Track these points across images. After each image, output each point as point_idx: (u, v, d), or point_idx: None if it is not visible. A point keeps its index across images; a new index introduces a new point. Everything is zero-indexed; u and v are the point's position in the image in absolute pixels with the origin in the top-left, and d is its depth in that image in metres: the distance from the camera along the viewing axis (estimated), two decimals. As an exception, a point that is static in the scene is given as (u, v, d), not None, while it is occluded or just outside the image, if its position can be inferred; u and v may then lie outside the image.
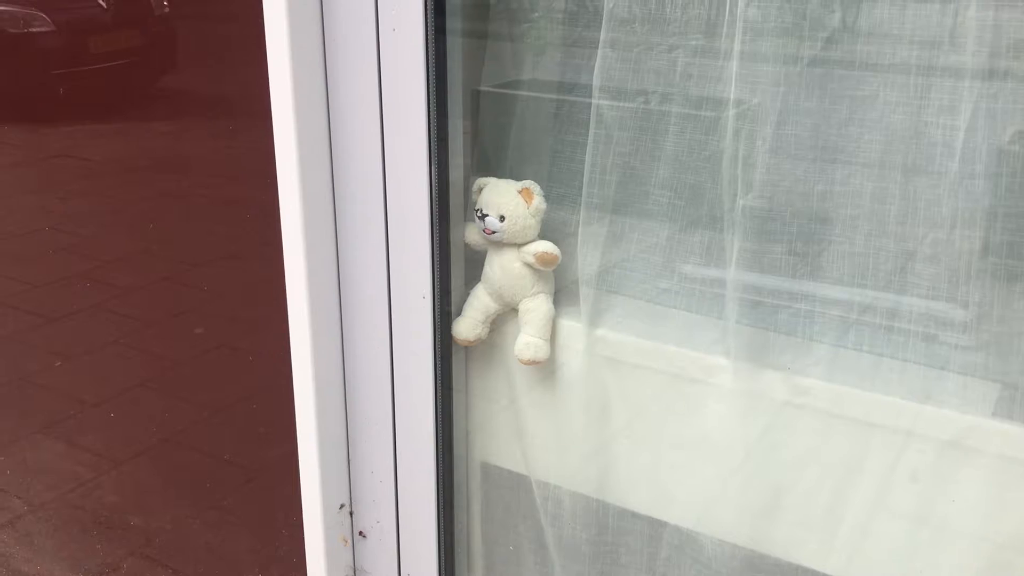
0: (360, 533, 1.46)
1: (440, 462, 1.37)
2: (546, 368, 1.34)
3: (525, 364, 1.30)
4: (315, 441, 1.37)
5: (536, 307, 1.29)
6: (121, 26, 1.82)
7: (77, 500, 1.94)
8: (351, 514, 1.45)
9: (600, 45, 1.22)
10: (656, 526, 1.33)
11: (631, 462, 1.34)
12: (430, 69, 1.22)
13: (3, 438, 2.03)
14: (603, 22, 1.22)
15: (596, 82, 1.23)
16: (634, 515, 1.35)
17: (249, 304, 1.55)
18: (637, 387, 1.31)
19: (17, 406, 1.99)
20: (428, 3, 1.18)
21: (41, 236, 1.89)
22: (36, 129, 1.86)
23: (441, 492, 1.39)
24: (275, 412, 1.47)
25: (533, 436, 1.39)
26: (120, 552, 1.89)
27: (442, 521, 1.40)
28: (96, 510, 1.91)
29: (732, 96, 1.16)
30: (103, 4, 1.90)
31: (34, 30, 1.91)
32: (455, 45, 1.28)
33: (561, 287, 1.34)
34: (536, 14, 1.35)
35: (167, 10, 1.74)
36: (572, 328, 1.31)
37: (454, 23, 1.27)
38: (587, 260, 1.30)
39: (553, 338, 1.31)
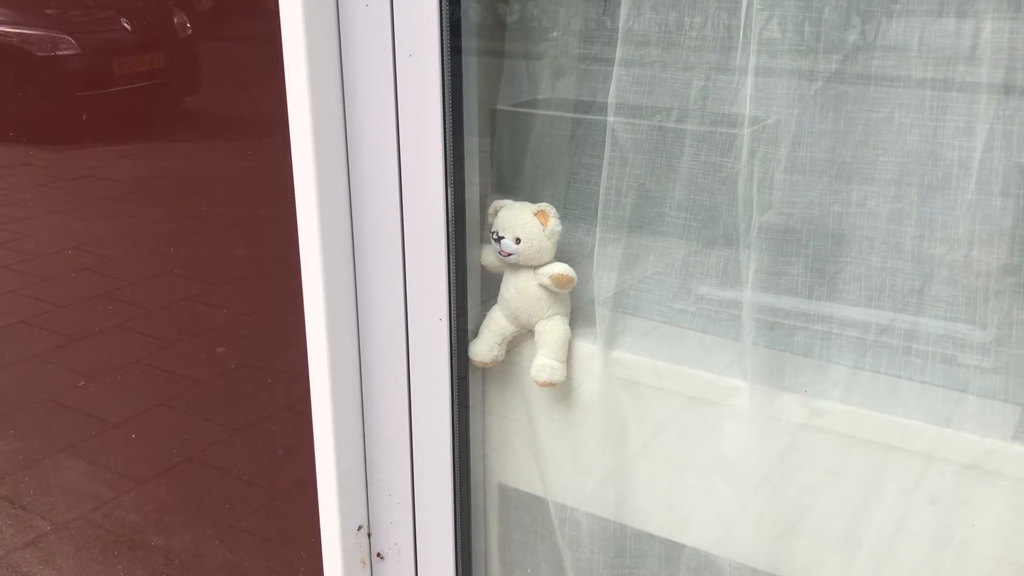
0: (378, 555, 1.46)
1: (457, 484, 1.38)
2: (562, 390, 1.34)
3: (541, 386, 1.30)
4: (333, 462, 1.38)
5: (552, 329, 1.30)
6: (145, 48, 1.85)
7: (99, 519, 1.95)
8: (369, 536, 1.45)
9: (615, 64, 1.22)
10: (674, 549, 1.33)
11: (648, 484, 1.33)
12: (446, 92, 1.23)
13: (27, 458, 2.05)
14: (618, 41, 1.22)
15: (611, 101, 1.24)
16: (652, 537, 1.34)
17: (269, 324, 1.56)
18: (653, 409, 1.30)
19: (41, 425, 2.01)
20: (444, 28, 1.19)
21: (65, 256, 1.92)
22: (61, 150, 1.89)
23: (458, 514, 1.39)
24: (294, 433, 1.47)
25: (550, 458, 1.39)
26: (141, 572, 1.90)
27: (459, 543, 1.40)
28: (118, 529, 1.92)
29: (748, 115, 1.16)
30: (128, 27, 1.93)
31: (61, 53, 1.94)
32: (471, 65, 1.30)
33: (577, 309, 1.34)
34: (553, 33, 1.36)
35: (190, 32, 1.76)
36: (588, 350, 1.31)
37: (470, 43, 1.29)
38: (603, 282, 1.30)
39: (569, 360, 1.31)
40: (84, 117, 1.83)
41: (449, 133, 1.24)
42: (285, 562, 1.60)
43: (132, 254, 1.80)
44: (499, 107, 1.40)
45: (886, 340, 1.16)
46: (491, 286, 1.36)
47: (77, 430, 1.97)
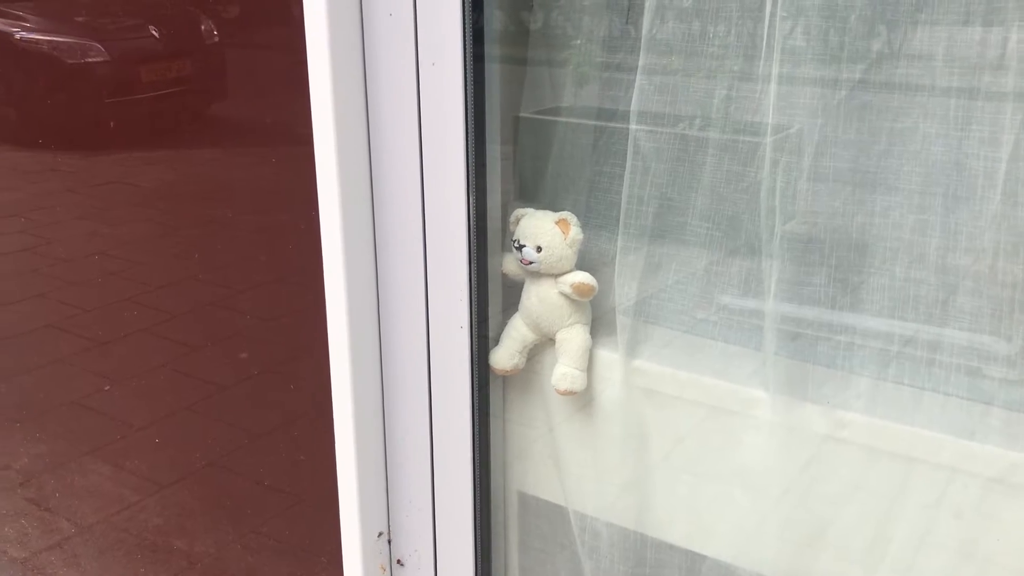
0: (398, 561, 1.46)
1: (477, 491, 1.38)
2: (583, 398, 1.34)
3: (562, 394, 1.30)
4: (354, 469, 1.38)
5: (573, 337, 1.29)
6: (172, 56, 1.86)
7: (123, 523, 1.97)
8: (389, 542, 1.46)
9: (638, 72, 1.22)
10: (695, 560, 1.32)
11: (669, 494, 1.33)
12: (468, 100, 1.23)
13: (53, 460, 2.08)
14: (641, 49, 1.22)
15: (634, 109, 1.23)
16: (672, 548, 1.34)
17: (291, 331, 1.57)
18: (674, 418, 1.30)
19: (66, 429, 2.04)
20: (467, 37, 1.20)
21: (91, 261, 1.94)
22: (89, 156, 1.91)
23: (478, 521, 1.39)
24: (315, 439, 1.48)
25: (570, 466, 1.39)
26: (163, 575, 1.92)
27: (479, 550, 1.40)
28: (141, 533, 1.94)
29: (771, 124, 1.16)
30: (155, 34, 1.94)
31: (90, 60, 1.96)
32: (493, 73, 1.30)
33: (598, 317, 1.34)
34: (576, 41, 1.36)
35: (216, 40, 1.78)
36: (609, 358, 1.31)
37: (492, 51, 1.29)
38: (624, 290, 1.30)
39: (590, 368, 1.31)
40: (111, 124, 1.85)
41: (471, 141, 1.24)
42: (306, 568, 1.61)
43: (157, 259, 1.81)
44: (521, 115, 1.40)
45: (910, 351, 1.15)
46: (512, 294, 1.37)
47: (102, 433, 1.99)
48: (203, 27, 1.77)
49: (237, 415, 1.72)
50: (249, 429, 1.70)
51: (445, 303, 1.31)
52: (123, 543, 1.98)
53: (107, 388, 1.99)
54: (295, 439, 1.57)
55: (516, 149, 1.40)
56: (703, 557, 1.31)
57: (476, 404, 1.34)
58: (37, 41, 1.97)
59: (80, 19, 1.93)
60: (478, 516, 1.39)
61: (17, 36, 1.98)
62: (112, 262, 1.91)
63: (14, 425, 2.14)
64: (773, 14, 1.11)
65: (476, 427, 1.35)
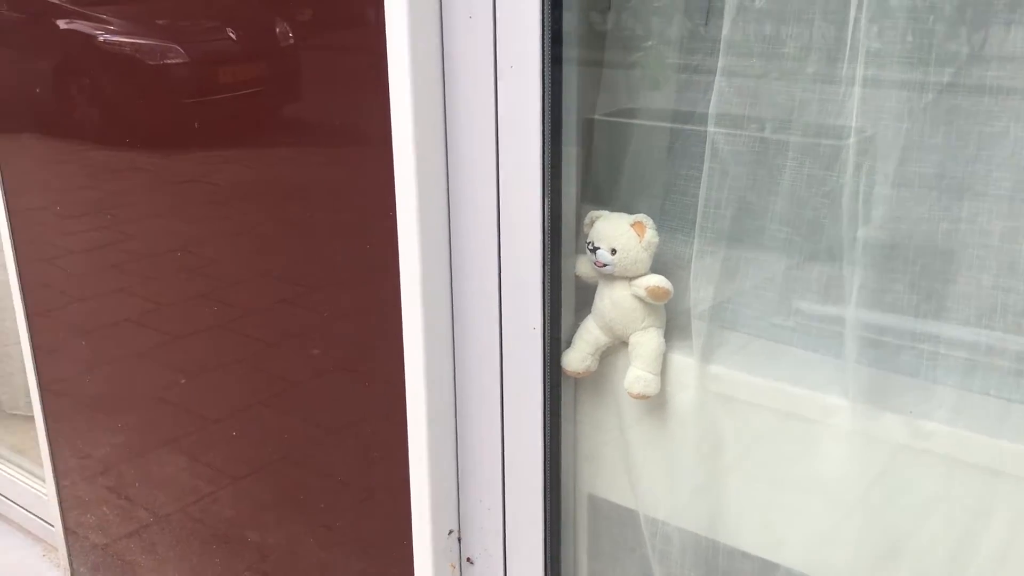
0: (468, 559, 1.47)
1: (548, 492, 1.38)
2: (656, 402, 1.33)
3: (635, 398, 1.30)
4: (426, 467, 1.40)
5: (647, 341, 1.29)
6: (249, 58, 1.89)
7: (197, 513, 2.02)
8: (459, 540, 1.47)
9: (717, 74, 1.21)
10: (767, 568, 1.30)
11: (743, 501, 1.31)
12: (546, 103, 1.23)
13: (131, 450, 2.14)
14: (720, 51, 1.21)
15: (712, 112, 1.22)
16: (745, 555, 1.32)
17: (365, 329, 1.59)
18: (750, 425, 1.29)
19: (144, 420, 2.09)
20: (545, 40, 1.20)
21: (169, 258, 1.98)
22: (168, 155, 1.95)
23: (548, 522, 1.40)
24: (388, 436, 1.50)
25: (642, 470, 1.38)
26: (237, 566, 1.96)
27: (548, 551, 1.41)
28: (215, 524, 1.98)
29: (854, 127, 1.14)
30: (233, 36, 1.98)
31: (169, 61, 2.00)
32: (570, 75, 1.30)
33: (671, 320, 1.33)
34: (650, 42, 1.36)
35: (293, 42, 1.80)
36: (683, 363, 1.30)
37: (569, 53, 1.29)
38: (700, 295, 1.29)
39: (663, 372, 1.31)
40: (190, 124, 1.89)
41: (548, 144, 1.25)
42: (377, 564, 1.62)
43: (233, 257, 1.85)
44: (596, 117, 1.40)
45: (996, 361, 1.12)
46: (585, 296, 1.37)
47: (178, 425, 2.03)
48: (279, 29, 1.80)
49: (310, 411, 1.75)
50: (322, 425, 1.72)
51: (518, 304, 1.32)
52: (198, 533, 2.03)
53: (183, 382, 2.04)
54: (368, 436, 1.59)
55: (591, 151, 1.40)
56: (776, 566, 1.30)
57: (548, 405, 1.35)
58: (120, 43, 2.02)
59: (161, 22, 1.97)
60: (548, 517, 1.39)
61: (101, 39, 2.03)
62: (189, 258, 1.95)
63: (95, 415, 2.21)
64: (858, 16, 1.09)
65: (547, 428, 1.36)
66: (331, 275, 1.65)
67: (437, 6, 1.26)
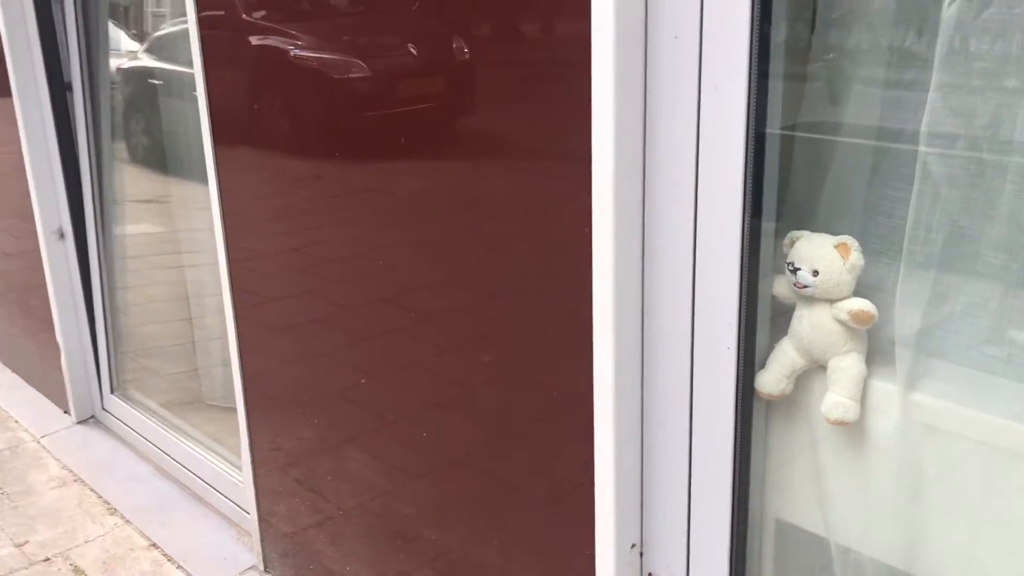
0: (649, 574, 1.48)
1: (734, 514, 1.37)
2: (853, 429, 1.30)
3: (832, 424, 1.27)
4: (612, 479, 1.41)
5: (847, 366, 1.26)
6: (429, 72, 1.94)
7: (377, 509, 2.10)
8: (641, 555, 1.47)
9: (930, 90, 1.17)
10: (971, 607, 1.25)
11: (943, 536, 1.26)
12: (750, 122, 1.22)
13: (316, 445, 2.25)
14: (935, 66, 1.17)
15: (923, 130, 1.18)
16: (946, 592, 1.27)
17: (547, 339, 1.61)
18: (955, 458, 1.23)
19: (329, 416, 2.19)
20: (753, 60, 1.19)
21: (352, 262, 2.06)
22: (350, 165, 2.02)
23: (733, 543, 1.38)
24: (571, 447, 1.52)
25: (835, 498, 1.35)
26: (415, 562, 2.03)
27: (733, 572, 1.39)
28: (394, 520, 2.06)
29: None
30: (414, 52, 2.04)
31: (352, 76, 2.08)
32: (773, 92, 1.28)
33: (872, 346, 1.29)
34: (858, 58, 1.32)
35: (467, 57, 1.85)
36: (885, 390, 1.26)
37: (773, 70, 1.27)
38: (905, 320, 1.24)
39: (863, 399, 1.27)
40: (371, 135, 1.96)
41: (750, 161, 1.24)
42: (556, 571, 1.65)
43: (411, 263, 1.91)
44: (797, 134, 1.38)
45: None
46: (781, 317, 1.34)
47: (359, 423, 2.12)
48: (456, 45, 1.84)
49: (486, 415, 1.79)
50: (499, 430, 1.76)
51: (713, 323, 1.31)
52: (378, 528, 2.12)
53: (363, 382, 2.12)
54: (550, 445, 1.61)
55: (790, 169, 1.38)
56: (979, 606, 1.24)
57: (739, 426, 1.33)
58: (308, 58, 2.12)
59: (345, 38, 2.05)
60: (734, 538, 1.38)
61: (292, 54, 2.14)
62: (370, 264, 2.02)
63: (284, 410, 2.33)
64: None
65: (737, 449, 1.34)
66: (511, 284, 1.68)
67: (643, 26, 1.27)
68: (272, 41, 2.16)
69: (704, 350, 1.33)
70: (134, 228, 3.33)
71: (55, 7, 3.13)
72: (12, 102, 3.20)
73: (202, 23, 2.22)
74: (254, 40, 2.17)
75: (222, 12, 2.20)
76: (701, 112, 1.25)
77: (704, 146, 1.26)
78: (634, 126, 1.30)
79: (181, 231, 3.16)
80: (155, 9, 3.07)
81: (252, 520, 2.54)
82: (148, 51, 3.10)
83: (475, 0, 1.60)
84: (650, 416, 1.42)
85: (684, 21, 1.24)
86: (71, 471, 3.18)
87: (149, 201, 3.33)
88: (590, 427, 1.44)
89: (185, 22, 2.89)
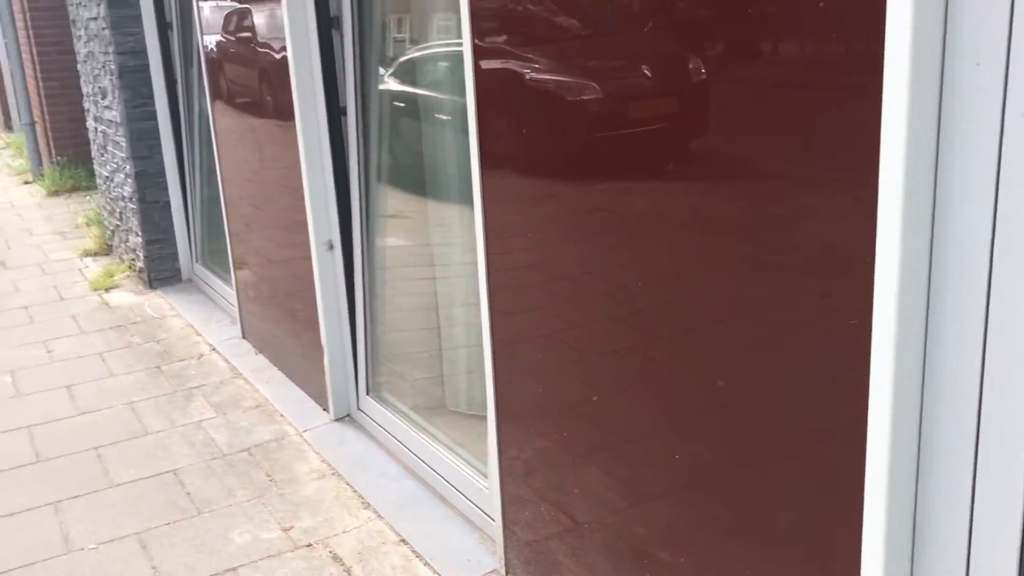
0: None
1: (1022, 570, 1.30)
2: None
3: None
4: (882, 536, 1.38)
5: None
6: (662, 93, 1.92)
7: (613, 525, 2.12)
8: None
9: None
10: None
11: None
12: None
13: (551, 458, 2.30)
14: None
15: None
16: None
17: (793, 372, 1.56)
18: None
19: (562, 431, 2.23)
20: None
21: (582, 281, 2.08)
22: (579, 185, 2.05)
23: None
24: (832, 482, 1.49)
25: None
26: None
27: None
28: (628, 538, 2.08)
29: None
30: (648, 73, 2.02)
31: (585, 97, 2.10)
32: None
33: None
34: None
35: (704, 77, 1.81)
36: None
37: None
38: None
39: None
40: (601, 155, 1.96)
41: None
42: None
43: (641, 284, 1.90)
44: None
45: None
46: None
47: (591, 440, 2.15)
48: (693, 65, 1.81)
49: (717, 442, 1.75)
50: (731, 459, 1.73)
51: (1007, 367, 1.26)
52: (611, 544, 2.15)
53: (595, 399, 2.14)
54: (791, 481, 1.57)
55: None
56: None
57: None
58: (544, 81, 2.16)
59: (579, 60, 2.07)
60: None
61: (528, 77, 2.19)
62: (598, 282, 2.04)
63: (531, 421, 2.41)
64: None
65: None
66: (745, 309, 1.63)
67: (939, 52, 1.24)
68: (512, 65, 2.22)
69: (995, 392, 1.28)
70: (390, 241, 3.53)
71: (335, 36, 3.37)
72: (295, 125, 3.47)
73: (476, 54, 2.29)
74: (526, 74, 2.21)
75: (495, 45, 2.26)
76: (1003, 141, 1.20)
77: (1005, 177, 1.22)
78: (925, 153, 1.27)
79: (430, 245, 3.33)
80: (396, 35, 3.24)
81: (496, 526, 2.64)
82: (393, 75, 3.27)
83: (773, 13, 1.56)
84: (926, 465, 1.37)
85: (987, 49, 1.20)
86: (329, 464, 3.40)
87: (395, 216, 3.52)
88: (861, 462, 1.41)
89: (428, 48, 3.04)
